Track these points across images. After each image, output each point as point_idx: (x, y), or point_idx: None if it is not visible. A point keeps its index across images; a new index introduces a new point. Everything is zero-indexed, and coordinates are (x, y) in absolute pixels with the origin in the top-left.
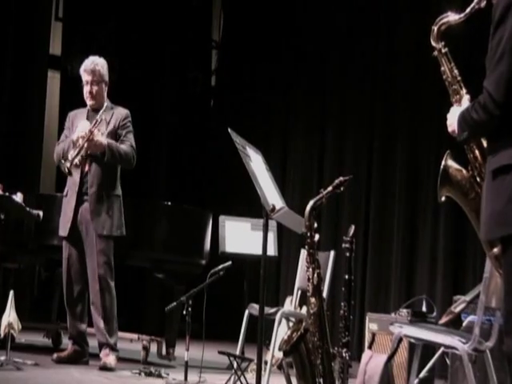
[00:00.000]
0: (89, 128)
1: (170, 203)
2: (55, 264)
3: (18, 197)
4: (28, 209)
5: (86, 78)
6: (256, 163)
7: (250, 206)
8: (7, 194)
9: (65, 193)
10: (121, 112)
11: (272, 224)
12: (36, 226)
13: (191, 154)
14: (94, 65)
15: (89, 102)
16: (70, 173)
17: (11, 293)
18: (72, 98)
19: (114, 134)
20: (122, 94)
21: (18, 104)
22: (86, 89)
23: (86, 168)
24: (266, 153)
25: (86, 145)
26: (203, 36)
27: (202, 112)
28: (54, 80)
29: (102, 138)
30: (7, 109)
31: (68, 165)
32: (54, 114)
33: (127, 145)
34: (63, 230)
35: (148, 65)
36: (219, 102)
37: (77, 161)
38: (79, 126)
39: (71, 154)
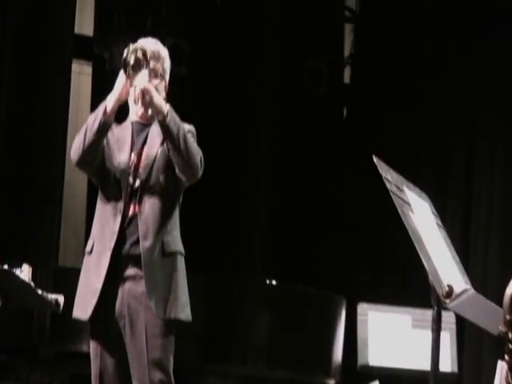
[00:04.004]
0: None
1: (274, 282)
2: None
3: (24, 272)
4: (40, 291)
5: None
6: (420, 215)
7: (408, 286)
8: (6, 266)
9: (88, 248)
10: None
11: (448, 318)
12: (53, 319)
13: (307, 196)
14: (158, 47)
15: (141, 107)
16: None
17: None
18: None
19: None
20: (193, 99)
21: (22, 116)
22: None
23: (131, 210)
24: (437, 197)
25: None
26: (332, 3)
27: (328, 126)
28: (82, 77)
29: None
30: (6, 124)
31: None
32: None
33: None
34: (83, 309)
35: (235, 49)
36: (357, 111)
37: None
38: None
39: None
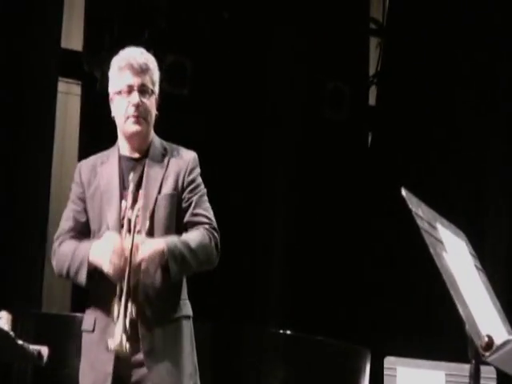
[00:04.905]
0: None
1: (288, 332)
2: None
3: (3, 319)
4: (21, 342)
5: (130, 79)
6: (455, 255)
7: (440, 337)
8: None
9: (89, 327)
10: (184, 158)
11: (488, 374)
12: (35, 373)
13: (328, 238)
14: (145, 58)
15: (133, 128)
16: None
17: None
18: (102, 132)
19: (174, 203)
20: (196, 125)
21: (3, 143)
22: (130, 101)
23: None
24: (475, 236)
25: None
26: (354, 13)
27: (352, 155)
28: (70, 97)
29: (150, 242)
30: None
31: (117, 342)
32: (69, 161)
33: (200, 231)
34: None
35: (245, 68)
36: (384, 137)
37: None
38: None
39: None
